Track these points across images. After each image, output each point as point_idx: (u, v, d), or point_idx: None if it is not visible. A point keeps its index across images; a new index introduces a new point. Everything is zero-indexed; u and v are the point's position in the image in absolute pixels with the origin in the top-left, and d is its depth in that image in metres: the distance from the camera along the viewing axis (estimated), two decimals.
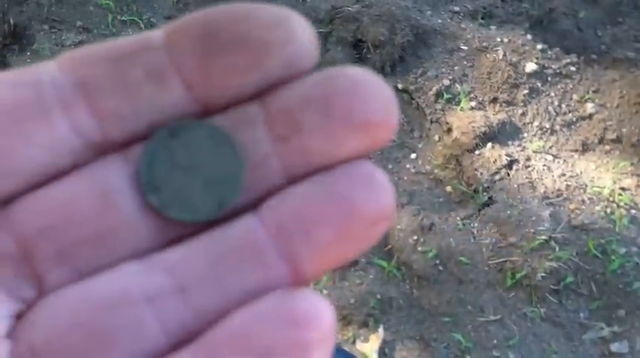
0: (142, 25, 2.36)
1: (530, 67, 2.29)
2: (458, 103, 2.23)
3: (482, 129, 2.16)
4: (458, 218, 2.07)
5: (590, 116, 2.26)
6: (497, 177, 2.12)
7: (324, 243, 0.24)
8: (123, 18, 2.39)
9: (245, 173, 0.25)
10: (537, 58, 2.31)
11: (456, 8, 2.47)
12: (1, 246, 0.25)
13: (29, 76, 0.25)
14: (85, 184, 0.25)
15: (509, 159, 2.15)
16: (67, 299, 0.24)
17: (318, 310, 0.23)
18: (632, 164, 2.19)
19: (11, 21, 2.29)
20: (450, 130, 2.18)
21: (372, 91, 0.24)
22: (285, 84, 0.25)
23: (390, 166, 2.15)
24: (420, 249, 1.99)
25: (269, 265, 0.24)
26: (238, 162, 0.25)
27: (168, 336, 0.24)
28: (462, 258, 1.98)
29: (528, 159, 2.17)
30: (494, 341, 1.90)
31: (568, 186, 2.13)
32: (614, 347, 1.91)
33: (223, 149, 0.25)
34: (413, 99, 2.23)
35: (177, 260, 0.24)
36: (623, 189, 2.14)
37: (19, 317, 0.25)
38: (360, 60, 2.27)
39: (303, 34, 0.25)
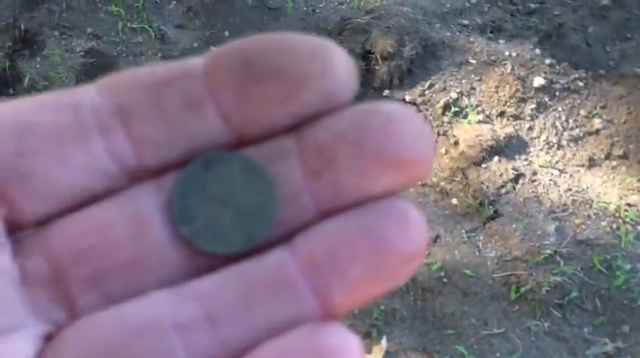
0: (152, 33, 2.37)
1: (538, 81, 2.29)
2: (465, 116, 2.23)
3: (489, 143, 2.17)
4: (463, 231, 2.07)
5: (597, 131, 2.26)
6: (503, 190, 2.12)
7: (355, 279, 0.24)
8: (133, 25, 2.40)
9: (277, 207, 0.25)
10: (545, 73, 2.31)
11: (465, 22, 2.48)
12: (34, 267, 0.25)
13: (69, 99, 0.25)
14: (119, 211, 0.25)
15: (515, 173, 2.15)
16: (97, 324, 0.24)
17: (346, 345, 0.23)
18: (638, 180, 2.18)
19: (22, 26, 2.31)
20: (456, 143, 2.18)
21: (406, 128, 0.24)
22: (321, 117, 0.25)
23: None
24: (424, 261, 1.99)
25: (299, 299, 0.24)
26: (271, 196, 0.25)
27: None
28: (467, 271, 1.98)
29: (535, 173, 2.17)
30: (498, 355, 1.90)
31: (574, 201, 2.13)
32: None
33: (256, 182, 0.25)
34: (420, 111, 2.23)
35: (207, 290, 0.24)
36: (629, 205, 2.13)
37: (47, 339, 0.25)
38: (369, 72, 2.28)
39: (341, 66, 0.24)
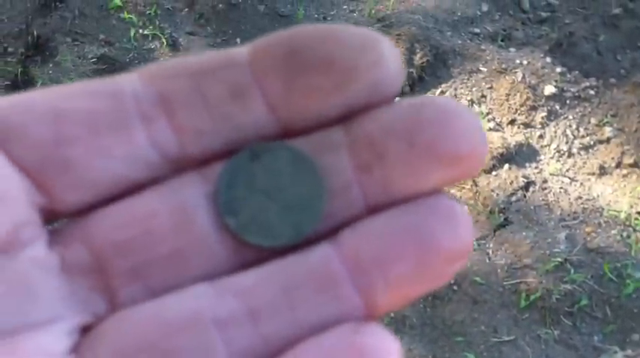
0: (164, 40, 2.38)
1: (549, 89, 2.29)
2: None
3: (500, 151, 2.17)
4: (473, 238, 2.06)
5: (608, 140, 2.26)
6: (513, 198, 2.12)
7: (400, 278, 0.23)
8: (145, 32, 2.41)
9: (325, 200, 0.24)
10: (556, 81, 2.31)
11: (476, 30, 2.48)
12: (76, 256, 0.25)
13: (109, 87, 0.25)
14: (162, 201, 0.25)
15: (525, 180, 2.15)
16: (137, 317, 0.24)
17: (386, 346, 0.23)
18: None
19: (35, 33, 2.32)
20: None
21: (459, 122, 0.23)
22: (369, 109, 0.24)
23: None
24: None
25: (343, 297, 0.24)
26: (319, 189, 0.24)
27: None
28: (477, 278, 1.98)
29: (545, 181, 2.17)
30: None
31: (584, 209, 2.13)
32: None
33: (305, 174, 0.25)
34: None
35: (250, 285, 0.24)
36: (639, 213, 2.13)
37: (85, 330, 0.24)
38: None
39: (390, 58, 0.24)
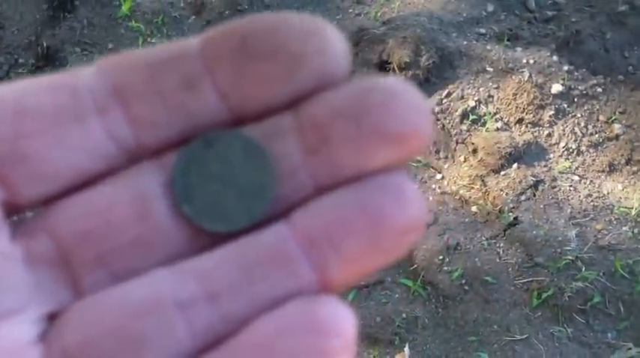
0: None
1: (557, 88, 2.29)
2: (483, 124, 2.24)
3: (508, 150, 2.17)
4: (483, 238, 2.07)
5: (617, 137, 2.26)
6: (522, 197, 2.12)
7: (352, 253, 0.24)
8: (153, 41, 2.42)
9: (276, 184, 0.25)
10: (563, 79, 2.31)
11: (482, 30, 2.48)
12: (39, 247, 0.25)
13: (67, 81, 0.25)
14: (122, 191, 0.25)
15: (535, 179, 2.15)
16: (102, 303, 0.25)
17: (341, 318, 0.24)
18: None
19: (44, 44, 2.34)
20: (475, 151, 2.18)
21: (403, 102, 0.24)
22: (317, 94, 0.25)
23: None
24: (445, 268, 1.99)
25: (298, 273, 0.24)
26: (270, 174, 0.25)
27: (195, 341, 0.24)
28: (488, 278, 1.98)
29: (554, 179, 2.17)
30: None
31: (595, 206, 2.13)
32: None
33: (256, 160, 0.25)
34: (438, 120, 2.24)
35: (208, 267, 0.25)
36: None
37: (52, 318, 0.25)
38: None
39: (336, 44, 0.25)
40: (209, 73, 0.25)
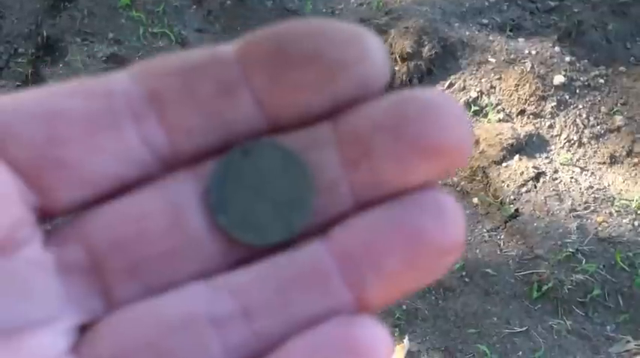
0: (173, 38, 2.39)
1: (559, 79, 2.29)
2: (485, 115, 2.24)
3: (510, 142, 2.17)
4: (484, 230, 2.07)
5: (619, 128, 2.25)
6: (524, 189, 2.12)
7: (391, 273, 0.23)
8: (154, 30, 2.42)
9: (315, 198, 0.25)
10: (565, 71, 2.30)
11: (485, 21, 2.48)
12: (71, 256, 0.25)
13: (101, 87, 0.25)
14: (156, 199, 0.25)
15: (536, 171, 2.15)
16: (135, 316, 0.24)
17: (377, 339, 0.23)
18: None
19: (44, 33, 2.34)
20: (477, 142, 2.18)
21: (444, 115, 0.23)
22: (357, 104, 0.24)
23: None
24: None
25: (334, 292, 0.24)
26: (308, 186, 0.25)
27: None
28: (488, 270, 1.99)
29: (556, 171, 2.17)
30: (520, 353, 1.90)
31: (595, 198, 2.13)
32: None
33: (294, 172, 0.25)
34: None
35: (243, 283, 0.24)
36: None
37: (83, 329, 0.25)
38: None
39: (376, 53, 0.24)
40: (245, 79, 0.24)
